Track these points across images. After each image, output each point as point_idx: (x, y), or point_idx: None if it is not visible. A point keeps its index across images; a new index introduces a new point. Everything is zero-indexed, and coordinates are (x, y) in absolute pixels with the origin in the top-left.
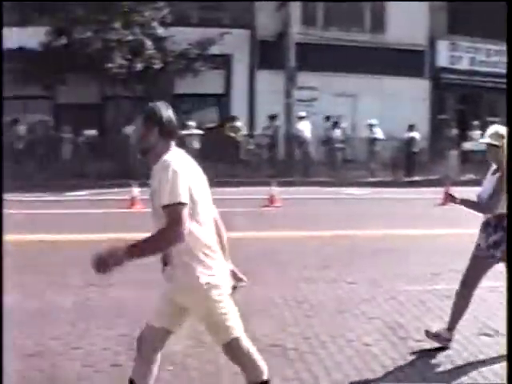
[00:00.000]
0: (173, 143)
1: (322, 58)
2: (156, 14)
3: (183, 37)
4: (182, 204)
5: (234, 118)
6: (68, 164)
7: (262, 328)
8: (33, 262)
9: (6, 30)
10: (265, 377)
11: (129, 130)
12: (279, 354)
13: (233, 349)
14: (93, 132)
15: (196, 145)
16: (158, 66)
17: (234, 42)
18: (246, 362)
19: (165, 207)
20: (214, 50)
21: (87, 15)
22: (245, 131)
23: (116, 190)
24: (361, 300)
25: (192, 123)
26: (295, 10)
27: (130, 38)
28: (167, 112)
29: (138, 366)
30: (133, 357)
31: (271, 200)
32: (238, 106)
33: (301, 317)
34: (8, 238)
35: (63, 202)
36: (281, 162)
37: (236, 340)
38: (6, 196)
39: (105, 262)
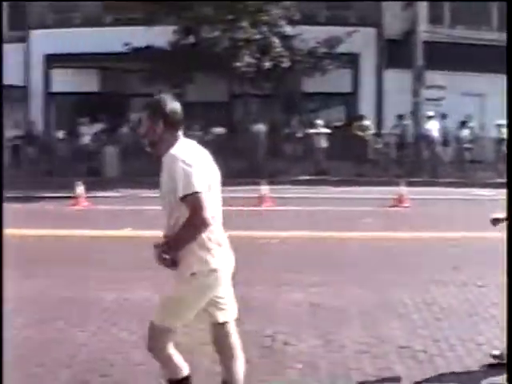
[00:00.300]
0: (180, 134)
1: (449, 56)
2: (283, 12)
3: (311, 35)
4: (197, 192)
5: (361, 117)
6: None
7: (391, 329)
8: None
9: (134, 29)
10: (182, 375)
11: (257, 127)
12: (408, 356)
13: (154, 336)
14: (221, 130)
15: (324, 143)
16: (285, 64)
17: (362, 41)
18: (163, 359)
19: (183, 199)
20: (342, 48)
21: (215, 14)
22: (373, 130)
23: (244, 187)
24: (490, 303)
25: (320, 122)
26: (422, 8)
27: (258, 36)
28: (172, 104)
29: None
30: (263, 354)
31: (399, 200)
32: (366, 104)
33: (430, 319)
34: (141, 233)
35: None
36: (409, 161)
37: (162, 330)
38: (140, 193)
39: (161, 258)
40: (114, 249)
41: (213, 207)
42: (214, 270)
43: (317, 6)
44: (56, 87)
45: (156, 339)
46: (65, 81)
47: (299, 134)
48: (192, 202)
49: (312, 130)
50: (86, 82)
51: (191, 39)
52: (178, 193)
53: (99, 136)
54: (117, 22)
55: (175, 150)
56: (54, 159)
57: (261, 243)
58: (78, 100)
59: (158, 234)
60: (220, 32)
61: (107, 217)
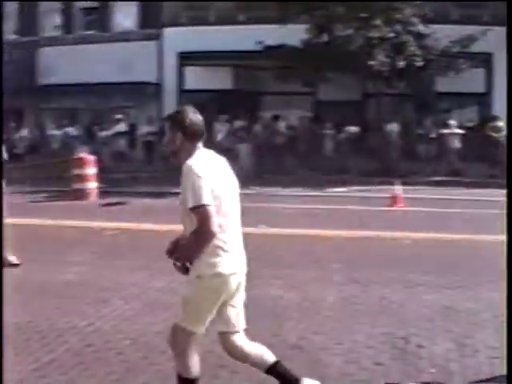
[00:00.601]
0: (200, 144)
1: None
2: (416, 11)
3: (444, 34)
4: (205, 205)
5: (495, 118)
6: (329, 160)
7: None
8: (302, 255)
9: (267, 27)
10: (190, 375)
11: (390, 127)
12: None
13: (174, 333)
14: (354, 129)
15: (457, 144)
16: (419, 63)
17: (495, 40)
18: (178, 355)
19: (191, 210)
20: (475, 47)
21: (348, 13)
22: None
23: (377, 187)
24: None
25: (453, 122)
26: None
27: (392, 35)
28: (191, 116)
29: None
30: (396, 356)
31: None
32: (500, 105)
33: None
34: (275, 231)
35: (323, 197)
36: None
37: (182, 330)
38: (273, 190)
39: (174, 264)
40: (248, 246)
41: (226, 215)
42: (219, 275)
43: (449, 3)
44: (189, 84)
45: (176, 337)
46: (198, 78)
47: (432, 134)
48: (200, 213)
49: (445, 131)
50: (219, 79)
51: (324, 37)
52: (187, 203)
53: (233, 133)
54: (249, 21)
55: (191, 161)
56: None
57: (393, 244)
58: (211, 97)
59: (295, 231)
60: (353, 30)
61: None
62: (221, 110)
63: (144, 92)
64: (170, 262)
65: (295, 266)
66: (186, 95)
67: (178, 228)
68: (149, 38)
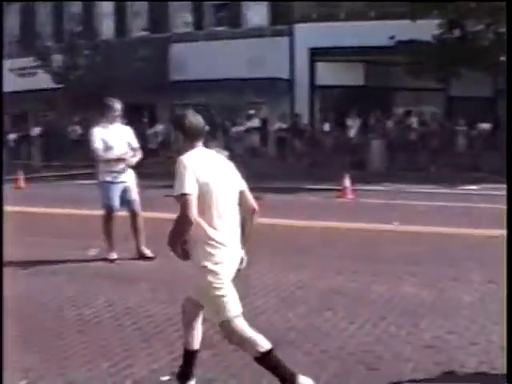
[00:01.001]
0: (199, 143)
1: None
2: None
3: None
4: (186, 194)
5: None
6: (461, 157)
7: None
8: (435, 253)
9: (398, 23)
10: (263, 348)
11: None
12: None
13: (225, 329)
14: (486, 125)
15: None
16: None
17: None
18: (241, 341)
19: (176, 198)
20: None
21: (479, 7)
22: None
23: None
24: None
25: None
26: None
27: None
28: (191, 119)
29: (184, 332)
30: None
31: None
32: None
33: None
34: (408, 228)
35: (455, 195)
36: None
37: (227, 322)
38: (406, 187)
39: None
40: (381, 243)
41: (221, 208)
42: (220, 263)
43: None
44: (320, 80)
45: (229, 332)
46: (329, 74)
47: None
48: (181, 201)
49: None
50: (350, 75)
51: (456, 33)
52: (174, 192)
53: (365, 129)
54: (381, 16)
55: (184, 156)
56: (319, 151)
57: None
58: (343, 93)
59: (427, 229)
60: (484, 26)
61: (373, 210)
62: (352, 106)
63: (276, 88)
64: (305, 256)
65: (428, 263)
66: (318, 91)
67: (313, 224)
68: (280, 34)
